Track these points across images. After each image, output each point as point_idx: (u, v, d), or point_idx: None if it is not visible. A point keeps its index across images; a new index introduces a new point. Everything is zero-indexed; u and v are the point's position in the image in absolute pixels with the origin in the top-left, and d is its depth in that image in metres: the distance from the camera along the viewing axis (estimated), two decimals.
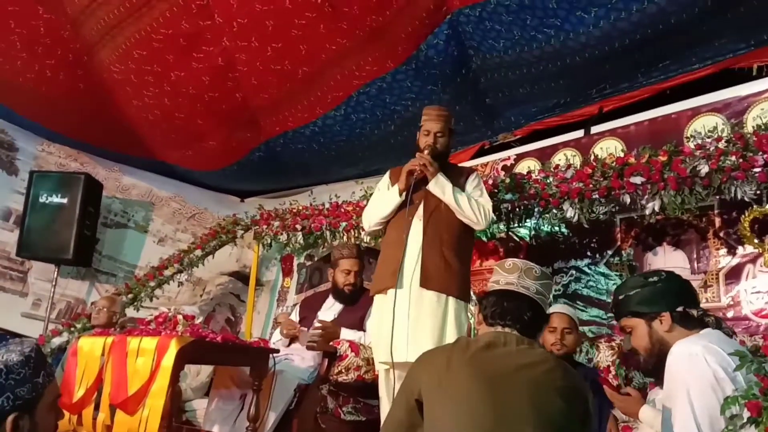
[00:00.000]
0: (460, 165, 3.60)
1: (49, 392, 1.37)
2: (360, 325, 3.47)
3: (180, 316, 2.71)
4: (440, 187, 2.93)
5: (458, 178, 3.05)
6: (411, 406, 1.70)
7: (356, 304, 3.54)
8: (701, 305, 1.98)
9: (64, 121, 5.23)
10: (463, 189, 3.01)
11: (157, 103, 4.66)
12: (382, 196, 3.13)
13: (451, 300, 2.84)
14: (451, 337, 2.74)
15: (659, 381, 1.99)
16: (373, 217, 3.14)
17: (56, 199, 5.14)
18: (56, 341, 4.54)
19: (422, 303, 2.82)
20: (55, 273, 5.24)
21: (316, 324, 3.39)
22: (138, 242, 5.93)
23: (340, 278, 3.57)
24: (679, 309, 1.89)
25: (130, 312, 4.83)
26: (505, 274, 1.90)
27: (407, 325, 2.80)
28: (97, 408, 2.77)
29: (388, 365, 2.85)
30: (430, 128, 3.04)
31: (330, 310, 3.60)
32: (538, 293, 1.86)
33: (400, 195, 2.99)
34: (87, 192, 5.22)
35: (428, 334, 2.75)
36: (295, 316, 3.74)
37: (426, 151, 2.97)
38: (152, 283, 5.06)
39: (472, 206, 2.92)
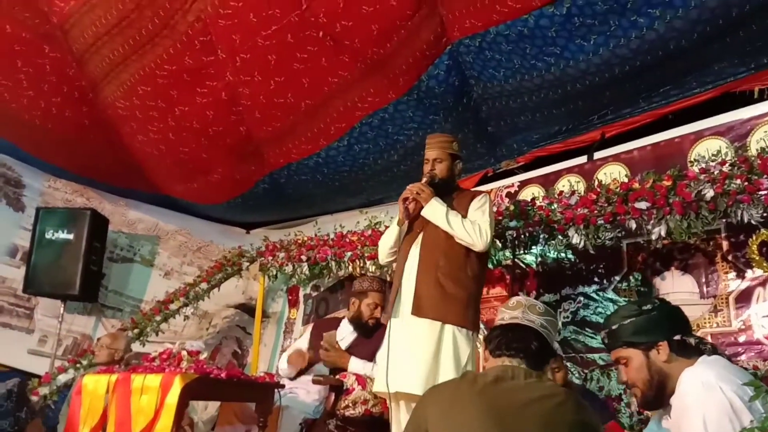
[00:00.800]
0: (472, 190, 3.52)
1: (30, 429, 1.36)
2: (371, 357, 3.44)
3: (184, 352, 2.69)
4: (433, 210, 2.89)
5: (464, 201, 3.01)
6: None
7: (372, 336, 3.52)
8: (710, 330, 1.94)
9: (71, 157, 5.28)
10: (466, 212, 2.95)
11: (162, 138, 4.70)
12: (390, 228, 3.17)
13: (448, 328, 2.74)
14: (446, 366, 2.67)
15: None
16: (381, 248, 3.19)
17: (62, 235, 5.16)
18: (62, 378, 4.52)
19: (414, 331, 2.76)
20: (62, 309, 5.24)
21: (323, 343, 3.38)
22: (144, 276, 5.94)
23: (366, 311, 3.55)
24: (677, 337, 1.84)
25: (136, 347, 4.81)
26: (510, 311, 1.91)
27: (399, 354, 2.75)
28: None
29: (384, 395, 2.82)
30: (429, 156, 3.07)
31: (344, 339, 3.56)
32: (543, 327, 1.85)
33: (399, 225, 3.02)
34: (93, 227, 5.24)
35: (419, 364, 2.67)
36: (305, 342, 3.70)
37: (424, 179, 2.98)
38: (158, 318, 5.05)
39: (466, 227, 2.84)
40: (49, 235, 5.16)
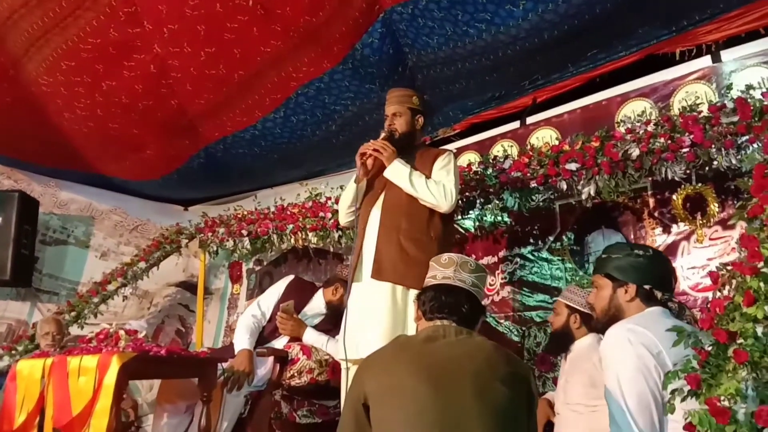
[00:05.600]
0: (438, 148, 3.32)
1: None
2: (328, 332, 3.41)
3: (122, 332, 2.65)
4: (395, 171, 2.78)
5: (427, 160, 2.89)
6: (359, 412, 1.69)
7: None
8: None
9: None
10: (431, 170, 2.85)
11: (90, 115, 4.53)
12: (347, 186, 3.04)
13: (413, 293, 2.59)
14: (409, 331, 2.58)
15: None
16: (340, 209, 3.10)
17: None
18: None
19: (375, 296, 2.67)
20: None
21: (280, 313, 3.35)
22: (80, 258, 5.77)
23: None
24: (647, 286, 1.99)
25: (74, 330, 4.70)
26: (442, 269, 1.93)
27: (360, 320, 2.66)
28: None
29: (349, 362, 2.66)
30: (388, 111, 2.96)
31: (316, 312, 3.51)
32: (474, 286, 1.89)
33: (357, 183, 2.90)
34: (22, 210, 5.08)
35: (383, 329, 2.58)
36: (276, 296, 3.55)
37: (383, 135, 2.88)
38: (96, 299, 4.95)
39: (431, 188, 2.73)
40: None
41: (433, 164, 2.87)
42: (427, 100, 4.38)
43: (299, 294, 3.55)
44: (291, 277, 3.71)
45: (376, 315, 2.64)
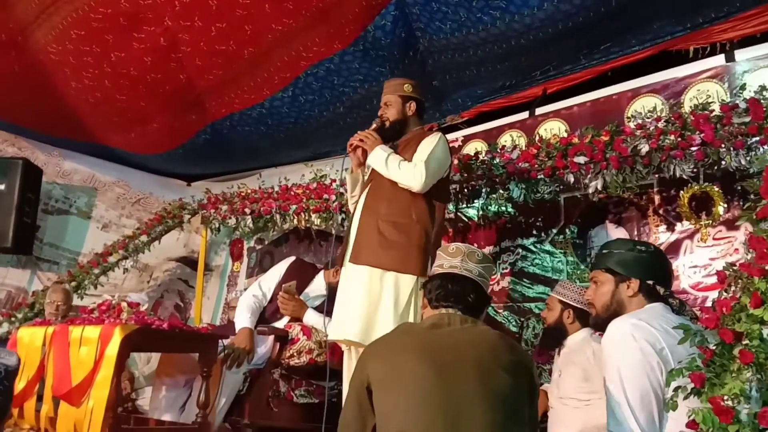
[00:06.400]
0: (432, 131, 3.21)
1: None
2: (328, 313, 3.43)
3: (124, 304, 2.66)
4: (374, 157, 2.83)
5: (414, 143, 2.89)
6: (362, 397, 1.70)
7: None
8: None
9: (0, 105, 5.00)
10: (414, 153, 2.84)
11: (98, 85, 4.51)
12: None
13: (389, 274, 2.67)
14: (385, 313, 2.62)
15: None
16: (347, 197, 3.17)
17: None
18: None
19: (355, 279, 2.73)
20: None
21: (281, 293, 3.36)
22: (81, 229, 5.77)
23: None
24: (650, 282, 1.98)
25: (74, 300, 4.71)
26: (449, 258, 1.93)
27: (341, 302, 2.78)
28: (39, 400, 2.71)
29: (339, 343, 2.85)
30: (382, 101, 3.04)
31: (318, 294, 3.52)
32: (481, 276, 1.90)
33: (352, 173, 3.00)
34: (26, 178, 5.07)
35: (356, 311, 2.65)
36: (277, 277, 3.57)
37: (374, 125, 2.95)
38: (96, 270, 4.96)
39: (402, 168, 2.74)
40: None
41: (418, 146, 2.87)
42: (436, 85, 4.40)
43: (301, 275, 3.55)
44: (292, 258, 3.72)
45: (354, 298, 2.70)
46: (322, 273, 3.59)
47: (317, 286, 3.55)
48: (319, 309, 3.44)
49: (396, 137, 2.96)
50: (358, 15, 3.75)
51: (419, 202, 2.80)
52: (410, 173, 2.73)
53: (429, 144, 2.83)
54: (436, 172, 2.79)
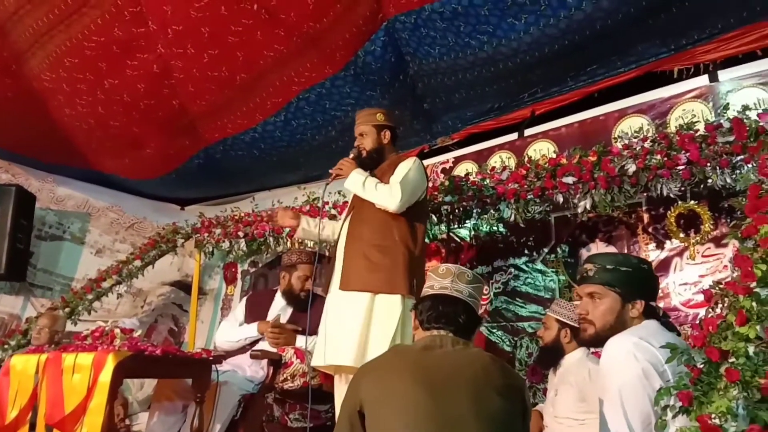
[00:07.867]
0: (404, 155, 3.33)
1: None
2: (312, 332, 3.45)
3: (117, 330, 2.66)
4: (351, 181, 2.92)
5: (391, 167, 2.98)
6: (354, 419, 1.70)
7: (306, 310, 3.51)
8: None
9: None
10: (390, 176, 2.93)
11: (91, 112, 4.54)
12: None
13: (379, 297, 2.74)
14: (376, 335, 2.68)
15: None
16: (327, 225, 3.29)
17: None
18: None
19: (345, 305, 2.79)
20: None
21: (270, 329, 3.40)
22: (74, 254, 5.76)
23: (297, 283, 3.57)
24: (652, 303, 1.95)
25: (68, 326, 4.69)
26: (439, 279, 1.95)
27: (332, 329, 2.79)
28: (32, 429, 2.69)
29: (326, 369, 2.92)
30: (356, 132, 3.12)
31: (281, 312, 3.57)
32: (471, 296, 1.91)
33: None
34: (19, 204, 5.07)
35: (349, 336, 2.69)
36: (240, 315, 3.69)
37: (351, 155, 3.04)
38: (90, 296, 4.94)
39: (379, 190, 2.83)
40: None
41: (395, 170, 2.95)
42: (426, 108, 4.44)
43: (259, 306, 3.66)
44: (245, 298, 3.85)
45: (346, 323, 2.74)
46: (278, 292, 3.67)
47: (278, 303, 3.65)
48: (292, 318, 3.54)
49: (374, 166, 3.04)
50: (349, 40, 3.80)
51: (400, 223, 2.87)
52: (387, 194, 2.82)
53: (405, 167, 2.92)
54: (412, 193, 2.88)
